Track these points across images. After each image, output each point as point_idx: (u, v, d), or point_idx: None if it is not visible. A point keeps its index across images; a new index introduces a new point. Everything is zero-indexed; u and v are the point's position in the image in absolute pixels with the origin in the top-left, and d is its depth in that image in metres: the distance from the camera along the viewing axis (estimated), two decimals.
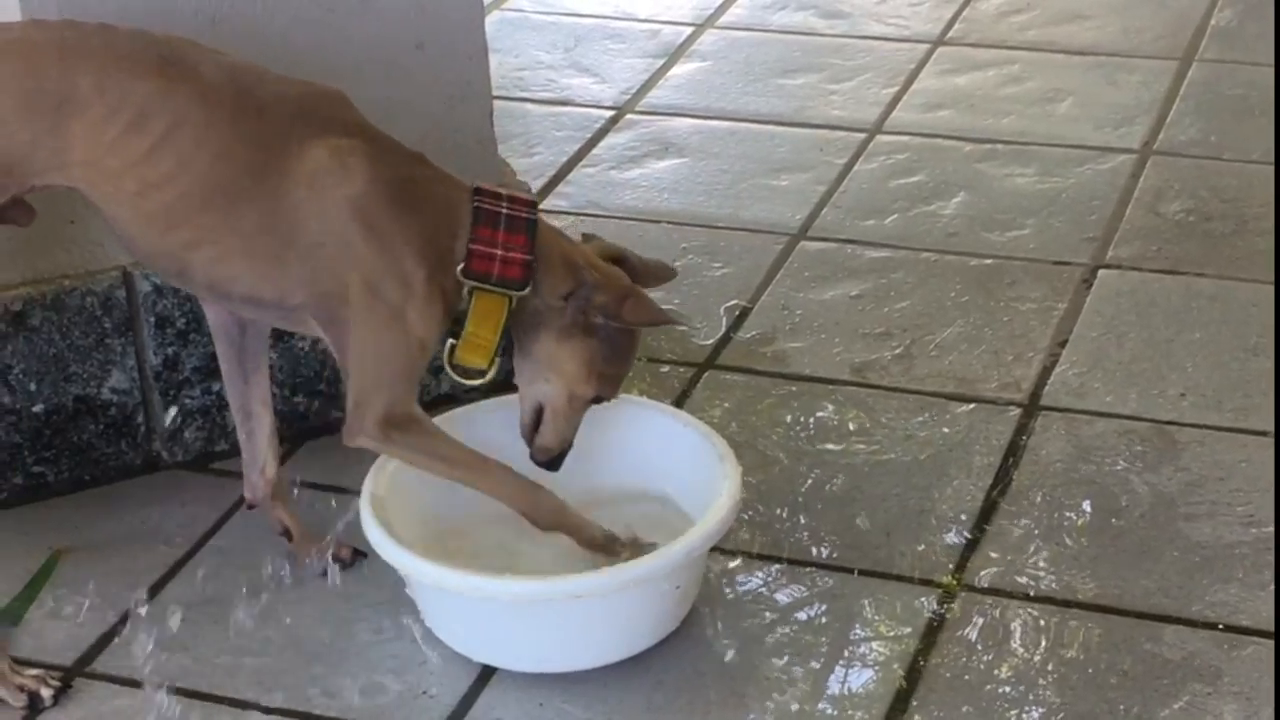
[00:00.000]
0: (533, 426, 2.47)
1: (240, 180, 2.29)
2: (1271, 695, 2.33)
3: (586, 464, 2.55)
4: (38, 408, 2.71)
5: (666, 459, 2.59)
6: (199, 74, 2.31)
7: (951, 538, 2.65)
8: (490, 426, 2.55)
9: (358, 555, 2.58)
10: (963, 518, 2.68)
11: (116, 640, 2.50)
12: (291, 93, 2.35)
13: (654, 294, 3.18)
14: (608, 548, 2.43)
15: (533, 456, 2.48)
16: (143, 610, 2.54)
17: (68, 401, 2.72)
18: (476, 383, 2.42)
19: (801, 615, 2.52)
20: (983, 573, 2.57)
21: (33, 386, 2.70)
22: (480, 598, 2.34)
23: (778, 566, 2.61)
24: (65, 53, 2.28)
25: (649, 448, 2.61)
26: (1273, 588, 2.52)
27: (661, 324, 2.48)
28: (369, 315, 2.31)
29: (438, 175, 2.40)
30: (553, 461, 2.49)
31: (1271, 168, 3.59)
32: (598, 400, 2.47)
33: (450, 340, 2.38)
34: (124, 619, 2.53)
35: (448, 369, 2.40)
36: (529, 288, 2.35)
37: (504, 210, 2.35)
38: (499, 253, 2.33)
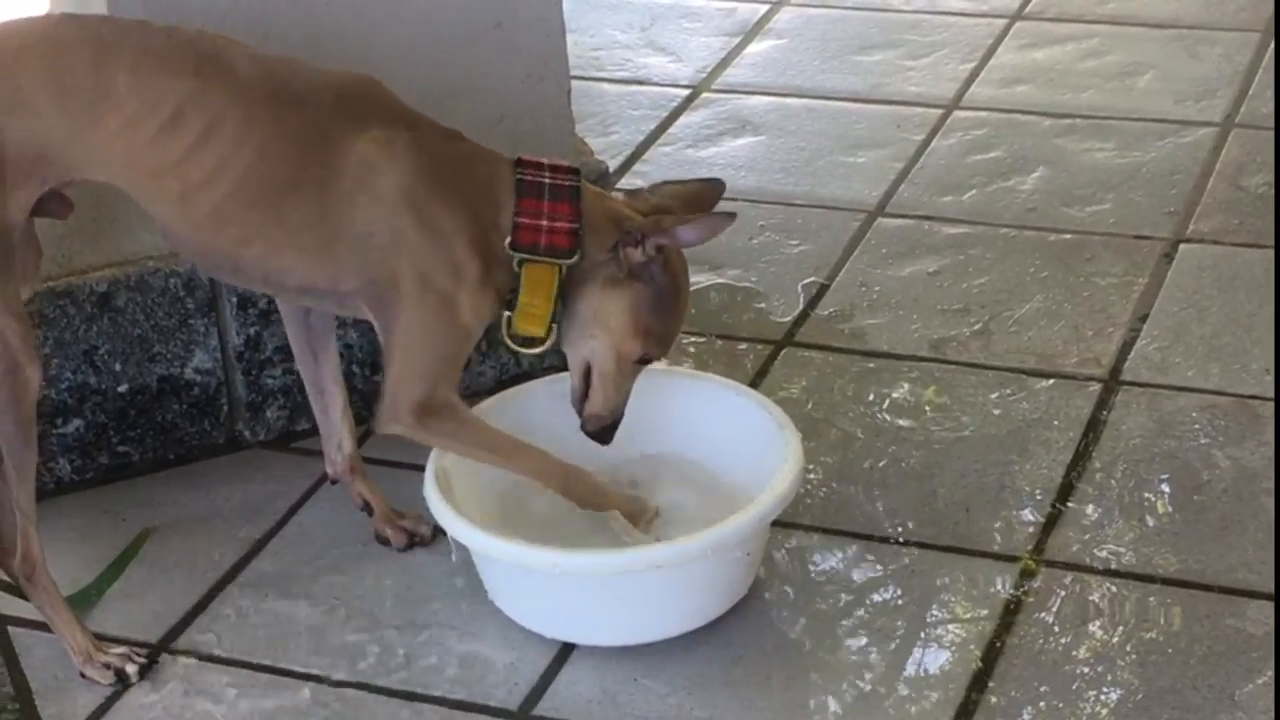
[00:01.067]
0: (583, 391, 2.45)
1: (284, 175, 2.30)
2: None
3: (641, 438, 2.58)
4: (123, 388, 2.74)
5: (724, 430, 2.60)
6: (235, 71, 2.31)
7: (1030, 514, 2.64)
8: (538, 406, 2.57)
9: (438, 531, 2.59)
10: (1042, 494, 2.67)
11: (201, 617, 2.52)
12: (327, 83, 2.36)
13: (733, 271, 3.23)
14: (643, 513, 2.47)
15: (583, 427, 2.47)
16: (226, 587, 2.57)
17: (152, 382, 2.75)
18: (536, 351, 2.42)
19: (878, 594, 2.52)
20: (1062, 549, 2.56)
21: (118, 367, 2.73)
22: (560, 574, 2.36)
23: (855, 544, 2.60)
24: (100, 49, 2.29)
25: (706, 420, 2.62)
26: None
27: (709, 228, 2.38)
28: (419, 302, 2.33)
29: (477, 151, 2.40)
30: (604, 432, 2.47)
31: None
32: (646, 360, 2.43)
33: (506, 312, 2.38)
34: (208, 596, 2.56)
35: (506, 340, 2.41)
36: (577, 254, 2.35)
37: (547, 180, 2.35)
38: (545, 223, 2.34)
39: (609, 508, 2.45)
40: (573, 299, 2.39)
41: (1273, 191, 3.41)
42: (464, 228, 2.33)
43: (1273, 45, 3.94)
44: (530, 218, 2.34)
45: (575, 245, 2.34)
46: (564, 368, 2.50)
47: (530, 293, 2.36)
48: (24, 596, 2.42)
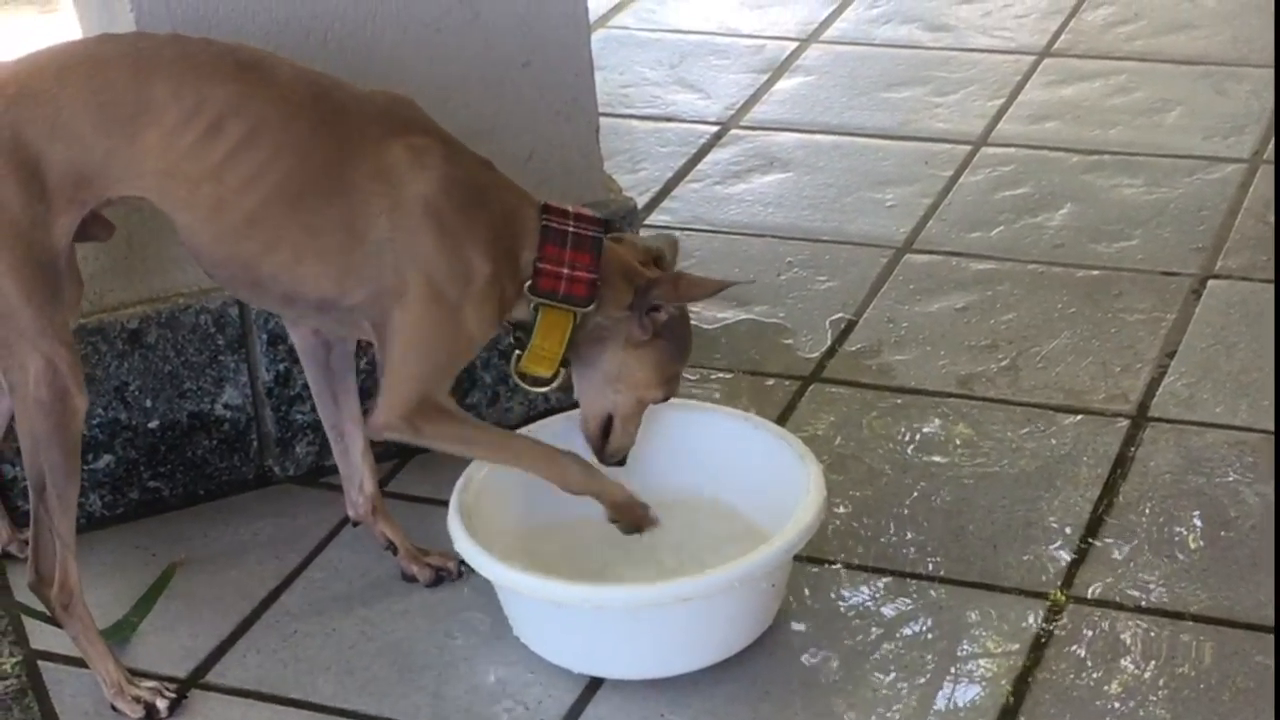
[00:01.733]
0: (601, 435, 2.53)
1: (317, 180, 2.33)
2: None
3: (662, 472, 2.62)
4: (153, 424, 2.76)
5: (744, 463, 2.62)
6: (276, 78, 2.35)
7: (1059, 550, 2.64)
8: (561, 441, 2.56)
9: (463, 567, 2.60)
10: (1070, 530, 2.67)
11: (230, 651, 2.53)
12: (367, 97, 2.40)
13: (760, 307, 3.24)
14: (631, 508, 2.49)
15: (605, 461, 2.54)
16: (256, 622, 2.58)
17: (182, 417, 2.77)
18: (542, 389, 2.48)
19: (908, 629, 2.52)
20: (1091, 585, 2.56)
21: (149, 403, 2.74)
22: (587, 608, 2.37)
23: (884, 579, 2.60)
24: (139, 63, 2.31)
25: (727, 453, 2.64)
26: None
27: (720, 289, 2.52)
28: (425, 308, 2.34)
29: (507, 184, 2.45)
30: (623, 460, 2.56)
31: None
32: (662, 400, 2.53)
33: (516, 350, 2.44)
34: (237, 630, 2.57)
35: (514, 377, 2.46)
36: (594, 304, 2.40)
37: (571, 229, 2.40)
38: (565, 271, 2.39)
39: (598, 495, 2.48)
40: (591, 355, 2.47)
41: None
42: (481, 245, 2.36)
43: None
44: (552, 264, 2.38)
45: (593, 295, 2.39)
46: None
47: (544, 336, 2.41)
48: (60, 625, 2.43)
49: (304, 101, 2.34)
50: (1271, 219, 3.45)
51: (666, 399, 2.53)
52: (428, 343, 2.37)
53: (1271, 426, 2.86)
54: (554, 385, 2.47)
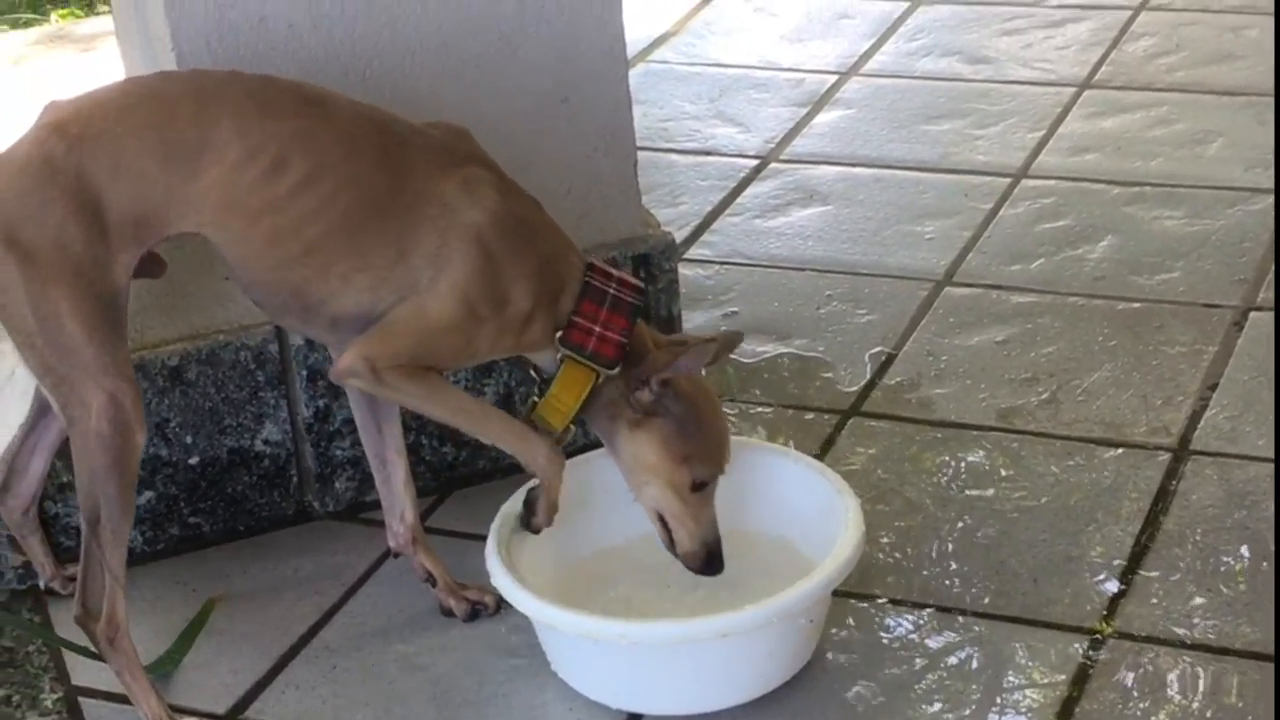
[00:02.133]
0: (666, 536, 2.47)
1: (376, 209, 2.35)
2: None
3: (722, 507, 2.56)
4: (194, 460, 2.77)
5: (783, 497, 2.62)
6: (339, 114, 2.38)
7: (1102, 584, 2.62)
8: (596, 477, 2.59)
9: (502, 601, 2.59)
10: (1113, 564, 2.66)
11: (269, 688, 2.54)
12: (426, 129, 2.43)
13: (800, 341, 3.23)
14: (546, 510, 2.46)
15: (688, 568, 2.48)
16: (295, 658, 2.58)
17: (222, 454, 2.78)
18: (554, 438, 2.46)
19: (951, 661, 2.51)
20: (1135, 619, 2.54)
21: (189, 439, 2.75)
22: (626, 643, 2.36)
23: (926, 612, 2.59)
24: (202, 100, 2.34)
25: (765, 488, 2.63)
26: None
27: (714, 355, 2.44)
28: (448, 307, 2.35)
29: (556, 229, 2.46)
30: (709, 564, 2.47)
31: None
32: (702, 484, 2.44)
33: (533, 398, 2.44)
34: (276, 667, 2.57)
35: (527, 420, 2.46)
36: (617, 369, 2.39)
37: (612, 291, 2.40)
38: (598, 329, 2.39)
39: (549, 488, 2.44)
40: (612, 442, 2.44)
41: None
42: (523, 280, 2.37)
43: None
44: (587, 320, 2.39)
45: (619, 359, 2.39)
46: None
47: (563, 388, 2.41)
48: (103, 660, 2.44)
49: (365, 136, 2.38)
50: None
51: (703, 482, 2.43)
52: (434, 334, 2.37)
53: None
54: (564, 441, 2.46)
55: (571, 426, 2.45)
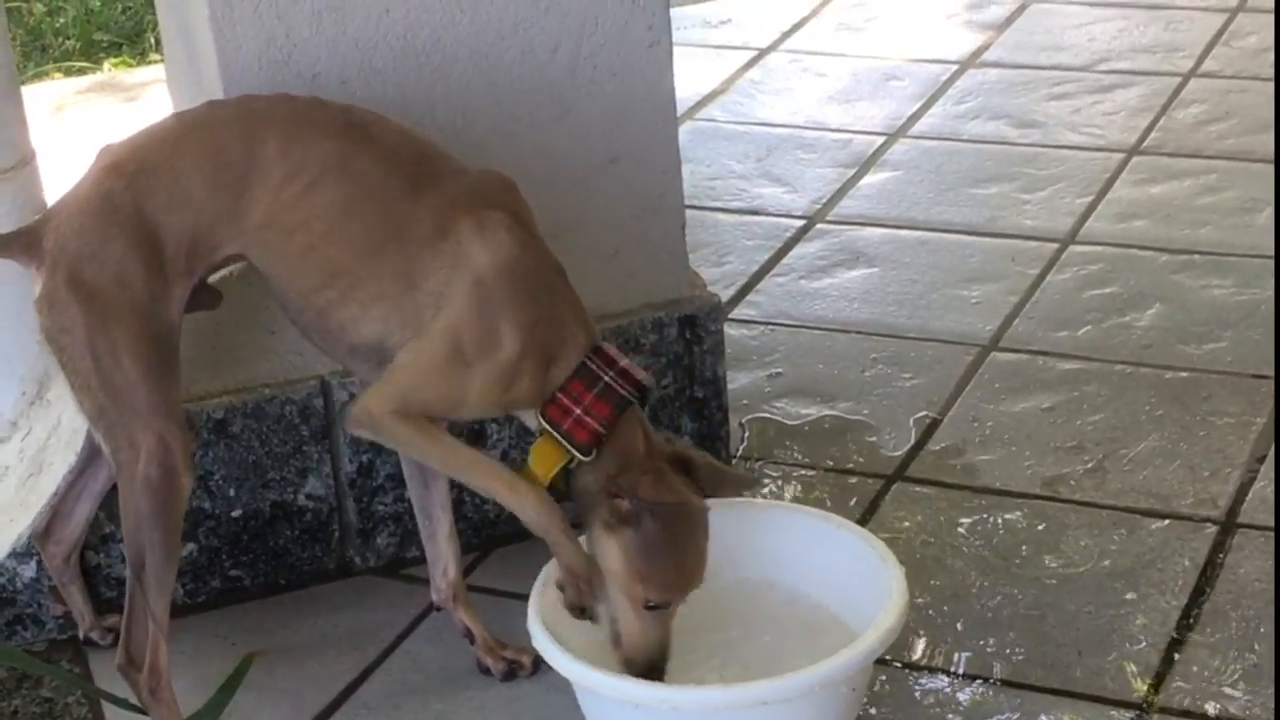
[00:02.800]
0: (615, 635, 2.40)
1: (395, 235, 2.35)
2: None
3: (740, 571, 2.58)
4: (236, 513, 2.77)
5: (826, 564, 2.59)
6: (382, 139, 2.40)
7: (1145, 657, 2.60)
8: None
9: (539, 663, 2.58)
10: (1156, 637, 2.63)
11: None
12: (468, 170, 2.43)
13: (844, 404, 3.22)
14: (580, 575, 2.37)
15: (622, 669, 2.40)
16: (334, 714, 2.58)
17: (265, 507, 2.78)
18: None
19: None
20: (1178, 693, 2.52)
21: (232, 492, 2.76)
22: (667, 709, 2.35)
23: (965, 683, 2.57)
24: (251, 123, 2.37)
25: (808, 554, 2.61)
26: None
27: (669, 502, 2.34)
28: (439, 349, 2.34)
29: (572, 300, 2.42)
30: (645, 674, 2.37)
31: None
32: (657, 606, 2.36)
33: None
34: None
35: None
36: (591, 456, 2.35)
37: (606, 378, 2.36)
38: (577, 411, 2.35)
39: (552, 543, 2.37)
40: (588, 528, 2.38)
41: None
42: (517, 330, 2.34)
43: None
44: (570, 399, 2.35)
45: (593, 446, 2.34)
46: None
47: (536, 460, 2.38)
48: (144, 712, 2.43)
49: (404, 162, 2.39)
50: None
51: (654, 606, 2.35)
52: (423, 375, 2.36)
53: None
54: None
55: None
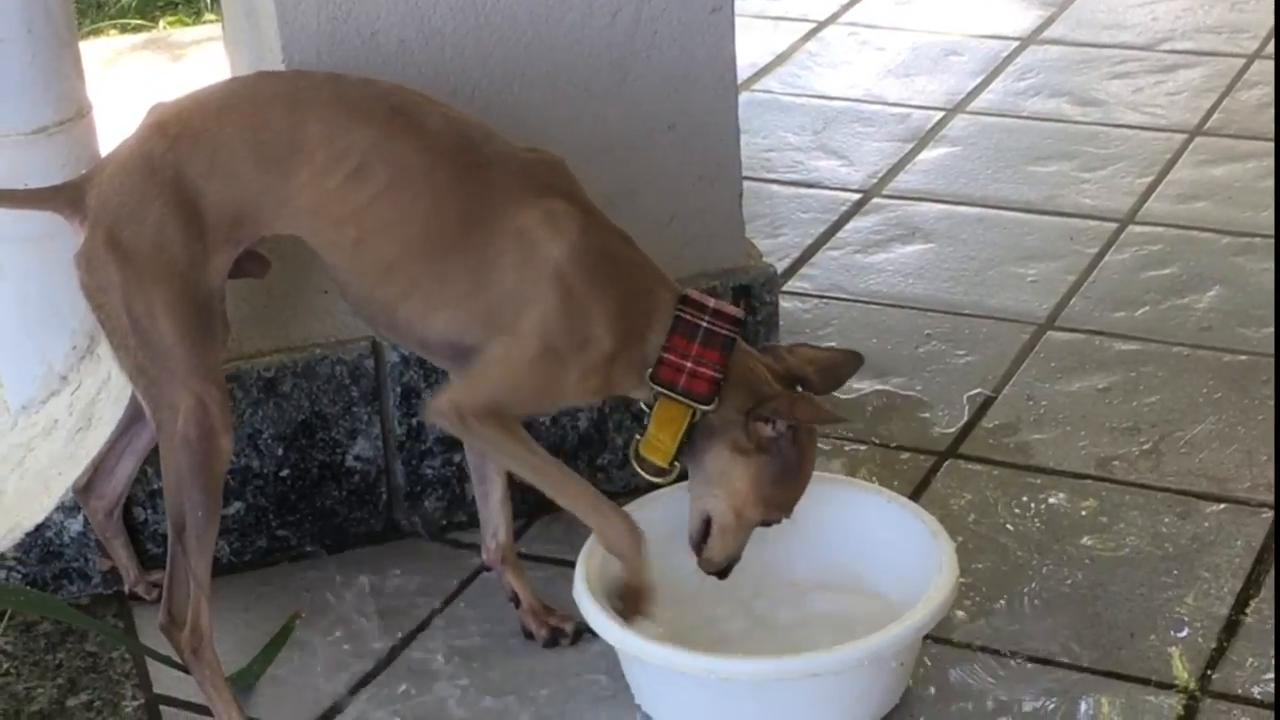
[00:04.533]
0: (700, 537, 2.45)
1: (452, 233, 2.33)
2: None
3: (791, 543, 2.57)
4: (284, 472, 2.76)
5: (876, 538, 2.59)
6: (425, 126, 2.36)
7: (1196, 641, 2.57)
8: (668, 515, 2.54)
9: (584, 630, 2.56)
10: (1209, 622, 2.60)
11: (350, 706, 2.52)
12: (515, 153, 2.39)
13: (897, 379, 3.20)
14: (641, 597, 2.40)
15: (699, 566, 2.46)
16: (376, 677, 2.57)
17: (313, 467, 2.77)
18: (659, 480, 2.44)
19: (1038, 713, 2.46)
20: (1230, 679, 2.49)
21: (280, 452, 2.75)
22: (714, 679, 2.33)
23: (1013, 662, 2.55)
24: (296, 102, 2.34)
25: (858, 527, 2.61)
26: None
27: (830, 421, 2.44)
28: (531, 350, 2.32)
29: (645, 262, 2.41)
30: (720, 573, 2.47)
31: None
32: (766, 524, 2.44)
33: (637, 435, 2.41)
34: (358, 685, 2.56)
35: (633, 462, 2.43)
36: (714, 404, 2.35)
37: (704, 324, 2.35)
38: (689, 365, 2.34)
39: (626, 565, 2.40)
40: (700, 448, 2.40)
41: None
42: (606, 319, 2.33)
43: None
44: (677, 356, 2.34)
45: (713, 394, 2.35)
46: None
47: (659, 426, 2.37)
48: (186, 670, 2.43)
49: (448, 151, 2.35)
50: None
51: (768, 523, 2.43)
52: (518, 377, 2.35)
53: None
54: (670, 478, 2.43)
55: (675, 464, 2.41)
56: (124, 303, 2.31)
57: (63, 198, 2.38)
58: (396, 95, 2.39)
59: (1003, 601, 2.67)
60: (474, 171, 2.35)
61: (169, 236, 2.30)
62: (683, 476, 2.45)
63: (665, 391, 2.36)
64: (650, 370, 2.36)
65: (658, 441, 2.38)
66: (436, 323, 2.36)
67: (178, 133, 2.33)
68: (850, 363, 2.50)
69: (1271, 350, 3.26)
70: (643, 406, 2.42)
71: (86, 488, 2.64)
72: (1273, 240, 3.63)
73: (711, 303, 2.38)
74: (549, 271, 2.31)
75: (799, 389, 2.41)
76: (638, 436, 2.41)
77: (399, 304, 2.36)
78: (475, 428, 2.36)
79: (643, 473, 2.43)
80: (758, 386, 2.37)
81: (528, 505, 2.85)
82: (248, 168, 2.32)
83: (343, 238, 2.34)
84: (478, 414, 2.35)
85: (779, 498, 2.42)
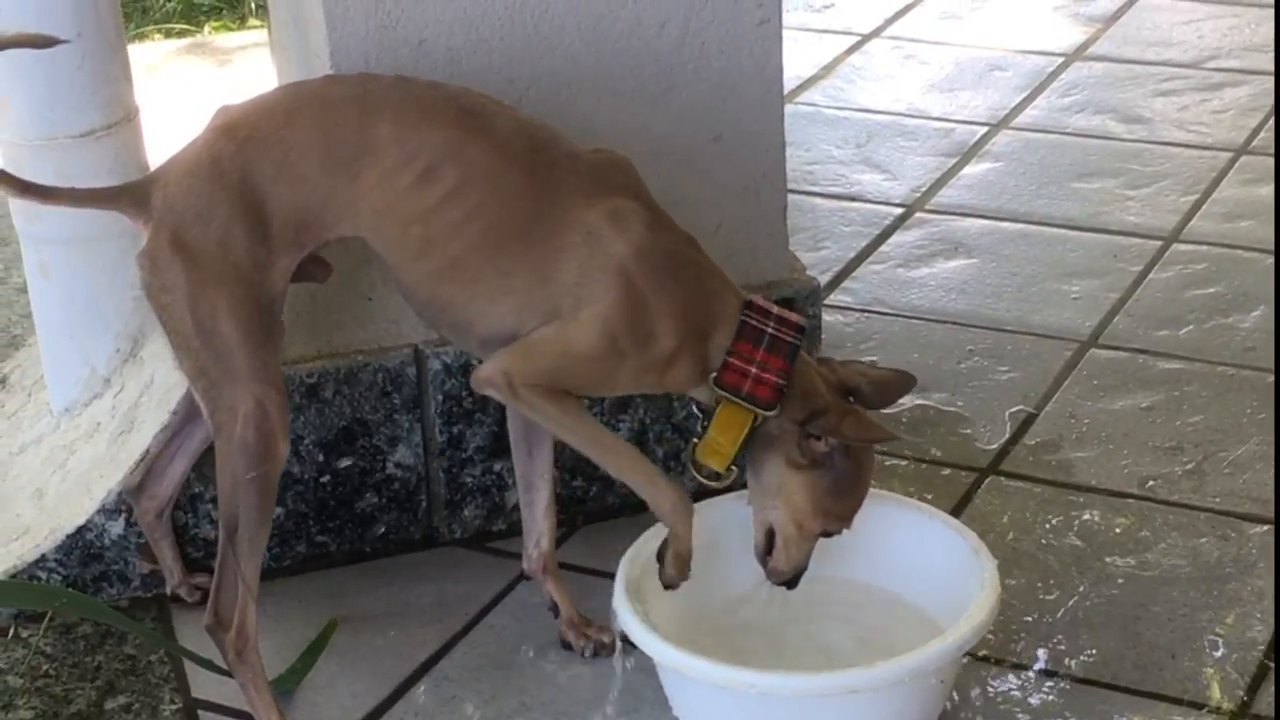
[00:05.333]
0: (765, 549, 2.46)
1: (520, 231, 2.33)
2: None
3: (831, 559, 2.55)
4: (325, 478, 2.76)
5: (916, 554, 2.58)
6: (495, 127, 2.36)
7: (1238, 665, 2.55)
8: (728, 522, 2.55)
9: (623, 642, 2.56)
10: (1250, 645, 2.58)
11: (387, 714, 2.52)
12: (583, 154, 2.40)
13: (939, 395, 3.19)
14: (683, 565, 2.42)
15: (768, 578, 2.48)
16: (414, 685, 2.56)
17: (354, 474, 2.77)
18: (714, 484, 2.43)
19: None
20: (1270, 703, 2.47)
21: (321, 457, 2.75)
22: (754, 694, 2.32)
23: (1053, 682, 2.54)
24: (365, 104, 2.35)
25: (899, 543, 2.60)
26: None
27: (880, 440, 2.43)
28: (590, 336, 2.32)
29: (710, 266, 2.42)
30: (789, 583, 2.48)
31: None
32: (827, 534, 2.45)
33: (694, 439, 2.41)
34: (395, 693, 2.56)
35: (689, 465, 2.43)
36: (776, 410, 2.35)
37: (770, 330, 2.36)
38: (754, 370, 2.34)
39: (674, 537, 2.41)
40: (759, 462, 2.41)
41: None
42: (669, 318, 2.33)
43: None
44: (742, 360, 2.35)
45: (776, 400, 2.35)
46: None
47: (720, 430, 2.37)
48: (227, 673, 2.43)
49: (518, 153, 2.36)
50: None
51: (830, 534, 2.45)
52: (575, 362, 2.35)
53: None
54: (726, 482, 2.43)
55: (733, 469, 2.41)
56: (188, 304, 2.31)
57: (127, 198, 2.38)
58: (465, 97, 2.41)
59: (1043, 620, 2.66)
60: (543, 171, 2.35)
61: (234, 239, 2.31)
62: (735, 483, 2.45)
63: (729, 396, 2.35)
64: (715, 374, 2.36)
65: (717, 445, 2.38)
66: (497, 317, 2.36)
67: (246, 135, 2.33)
68: (904, 383, 2.49)
69: None
70: (695, 410, 2.41)
71: (139, 488, 2.64)
72: None
73: (776, 309, 2.39)
74: (614, 268, 2.32)
75: (851, 400, 2.42)
76: (695, 440, 2.41)
77: (462, 302, 2.36)
78: (525, 395, 2.35)
79: (699, 477, 2.42)
80: (813, 398, 2.37)
81: (568, 515, 2.86)
82: (315, 170, 2.33)
83: (409, 238, 2.34)
84: (528, 383, 2.34)
85: (838, 509, 2.42)
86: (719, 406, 2.37)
